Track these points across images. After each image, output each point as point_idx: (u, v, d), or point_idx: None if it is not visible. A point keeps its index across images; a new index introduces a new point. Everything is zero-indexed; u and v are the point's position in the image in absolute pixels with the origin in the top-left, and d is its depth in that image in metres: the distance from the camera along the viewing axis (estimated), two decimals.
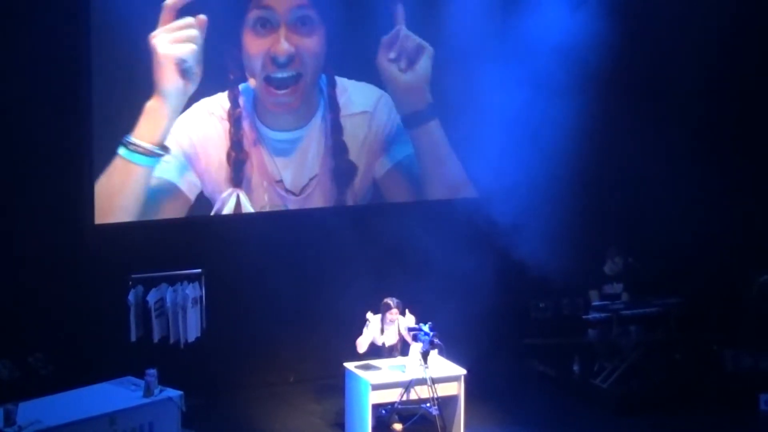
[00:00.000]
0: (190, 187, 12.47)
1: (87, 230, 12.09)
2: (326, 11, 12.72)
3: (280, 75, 12.71)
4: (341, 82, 13.01)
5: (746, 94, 13.92)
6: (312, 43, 12.78)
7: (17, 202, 11.82)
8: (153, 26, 12.05)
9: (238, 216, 12.69)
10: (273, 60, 12.65)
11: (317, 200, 13.09)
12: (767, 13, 13.79)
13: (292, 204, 12.97)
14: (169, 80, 12.19)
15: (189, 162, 12.44)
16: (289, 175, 12.91)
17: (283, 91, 12.76)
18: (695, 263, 13.67)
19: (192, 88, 12.31)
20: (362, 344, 11.74)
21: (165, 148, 12.26)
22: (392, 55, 13.15)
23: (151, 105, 12.15)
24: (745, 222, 13.82)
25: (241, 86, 12.60)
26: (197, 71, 12.27)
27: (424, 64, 13.29)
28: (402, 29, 13.09)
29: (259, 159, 12.75)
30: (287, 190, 12.90)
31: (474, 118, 13.45)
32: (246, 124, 12.63)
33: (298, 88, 12.81)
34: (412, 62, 13.24)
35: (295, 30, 12.68)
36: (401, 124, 13.33)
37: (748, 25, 13.77)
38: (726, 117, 13.94)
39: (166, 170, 12.35)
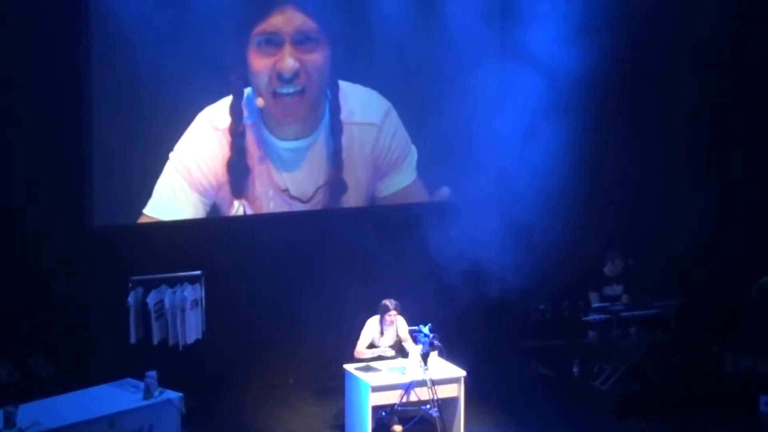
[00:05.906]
0: (198, 207, 12.54)
1: (87, 232, 12.09)
2: (332, 28, 12.69)
3: (285, 90, 12.69)
4: (347, 90, 12.98)
5: (744, 96, 13.92)
6: (317, 59, 12.75)
7: (17, 204, 11.81)
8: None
9: (237, 218, 12.68)
10: (278, 76, 12.62)
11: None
12: (758, 17, 13.85)
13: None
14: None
15: (193, 183, 12.42)
16: (295, 184, 12.87)
17: (289, 103, 12.73)
18: (695, 265, 13.68)
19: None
20: (363, 353, 11.73)
21: None
22: None
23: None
24: (745, 224, 13.82)
25: (245, 93, 12.53)
26: None
27: None
28: None
29: (265, 168, 12.73)
30: (293, 197, 12.88)
31: (479, 123, 13.47)
32: (251, 134, 12.62)
33: (304, 100, 12.80)
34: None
35: (300, 47, 12.64)
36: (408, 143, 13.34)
37: (744, 26, 13.80)
38: (724, 119, 13.95)
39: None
